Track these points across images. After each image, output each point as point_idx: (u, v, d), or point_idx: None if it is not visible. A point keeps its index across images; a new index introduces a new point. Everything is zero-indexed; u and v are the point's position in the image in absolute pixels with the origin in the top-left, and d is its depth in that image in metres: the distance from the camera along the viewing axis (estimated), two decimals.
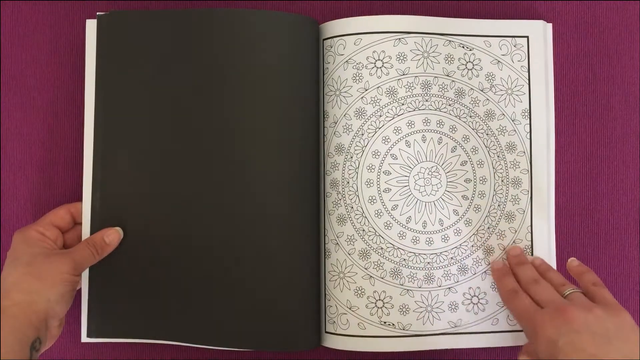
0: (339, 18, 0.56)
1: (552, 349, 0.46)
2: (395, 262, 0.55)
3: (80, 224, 0.56)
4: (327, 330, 0.56)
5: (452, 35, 0.56)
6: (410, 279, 0.55)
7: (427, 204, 0.56)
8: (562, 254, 0.59)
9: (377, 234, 0.55)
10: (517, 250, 0.56)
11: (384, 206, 0.55)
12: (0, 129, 0.59)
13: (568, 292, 0.50)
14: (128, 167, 0.56)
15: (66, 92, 0.59)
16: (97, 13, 0.57)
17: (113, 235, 0.54)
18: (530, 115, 0.57)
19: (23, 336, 0.46)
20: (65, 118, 0.59)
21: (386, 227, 0.55)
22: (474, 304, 0.56)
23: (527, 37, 0.57)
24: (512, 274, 0.55)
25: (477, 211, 0.56)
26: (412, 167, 0.56)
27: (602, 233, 0.60)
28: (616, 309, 0.48)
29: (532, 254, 0.57)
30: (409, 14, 0.56)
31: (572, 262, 0.55)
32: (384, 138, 0.55)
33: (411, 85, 0.55)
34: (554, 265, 0.57)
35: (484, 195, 0.57)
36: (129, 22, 0.56)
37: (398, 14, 0.56)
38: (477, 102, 0.57)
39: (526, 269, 0.54)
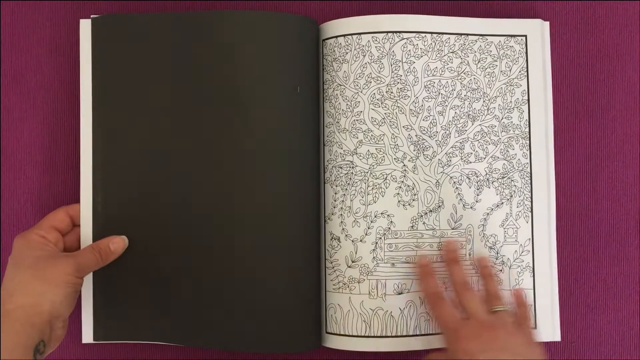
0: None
1: None
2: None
3: (79, 225, 0.56)
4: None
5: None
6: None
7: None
8: (562, 254, 0.59)
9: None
10: (452, 246, 0.55)
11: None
12: (0, 129, 0.59)
13: (496, 309, 0.51)
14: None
15: (66, 92, 0.59)
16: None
17: (118, 243, 0.55)
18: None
19: (27, 339, 0.46)
20: (65, 118, 0.59)
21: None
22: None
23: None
24: (447, 269, 0.54)
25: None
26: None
27: (602, 233, 0.60)
28: (534, 343, 0.49)
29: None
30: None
31: (517, 291, 0.55)
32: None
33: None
34: (554, 265, 0.57)
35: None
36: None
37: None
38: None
39: (458, 270, 0.53)
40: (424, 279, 0.54)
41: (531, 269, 0.57)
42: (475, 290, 0.53)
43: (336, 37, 0.56)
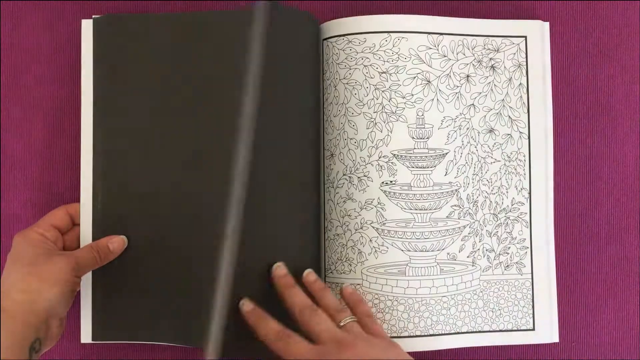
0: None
1: None
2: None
3: (79, 225, 0.56)
4: None
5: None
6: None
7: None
8: (561, 254, 0.59)
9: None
10: (282, 271, 0.52)
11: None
12: (0, 128, 0.59)
13: (344, 322, 0.48)
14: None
15: (66, 91, 0.59)
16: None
17: (118, 243, 0.55)
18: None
19: (22, 337, 0.46)
20: (66, 117, 0.59)
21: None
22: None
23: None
24: (284, 295, 0.51)
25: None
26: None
27: (602, 233, 0.60)
28: (392, 342, 0.48)
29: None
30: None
31: (346, 289, 0.53)
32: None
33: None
34: (552, 266, 0.57)
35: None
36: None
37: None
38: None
39: (299, 293, 0.51)
40: (286, 291, 0.51)
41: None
42: (320, 310, 0.49)
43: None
